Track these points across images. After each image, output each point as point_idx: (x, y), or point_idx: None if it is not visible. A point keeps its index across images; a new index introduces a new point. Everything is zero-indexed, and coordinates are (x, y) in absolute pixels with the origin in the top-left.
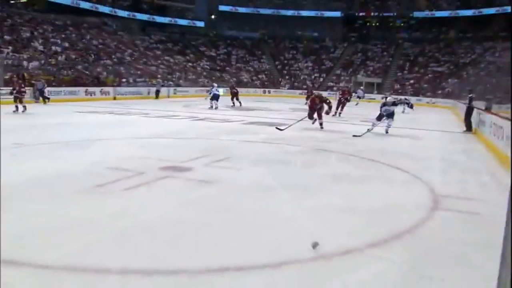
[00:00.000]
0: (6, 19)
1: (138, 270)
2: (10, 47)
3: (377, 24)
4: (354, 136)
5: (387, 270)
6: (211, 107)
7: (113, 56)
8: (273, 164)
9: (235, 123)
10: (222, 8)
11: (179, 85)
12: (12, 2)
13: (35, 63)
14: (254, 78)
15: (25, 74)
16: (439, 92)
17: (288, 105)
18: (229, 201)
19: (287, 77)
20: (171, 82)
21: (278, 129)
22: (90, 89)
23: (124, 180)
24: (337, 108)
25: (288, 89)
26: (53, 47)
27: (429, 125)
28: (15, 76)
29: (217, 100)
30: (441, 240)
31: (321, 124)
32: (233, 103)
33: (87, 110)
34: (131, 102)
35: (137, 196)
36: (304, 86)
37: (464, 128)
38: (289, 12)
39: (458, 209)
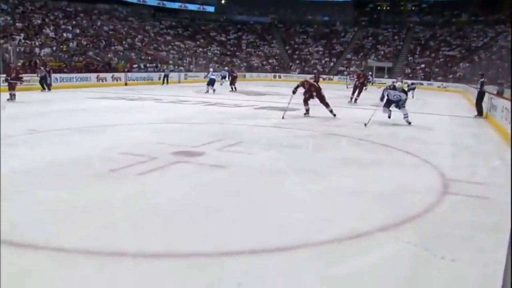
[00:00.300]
0: (18, 6)
1: (152, 253)
2: (22, 34)
3: (388, 8)
4: (365, 124)
5: (398, 253)
6: (207, 91)
7: (124, 42)
8: (284, 148)
9: (246, 108)
10: None
11: (189, 71)
12: None
13: (47, 50)
14: (265, 63)
15: (37, 61)
16: (450, 76)
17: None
18: (240, 185)
19: (297, 61)
20: (181, 68)
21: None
22: (102, 75)
23: (137, 165)
24: (352, 94)
25: (298, 73)
26: (65, 34)
27: (440, 110)
28: (12, 62)
29: (212, 85)
30: (451, 224)
31: (331, 111)
32: (232, 87)
33: (99, 96)
34: (143, 87)
35: (150, 181)
36: (315, 71)
37: (475, 113)
38: None
39: (468, 194)
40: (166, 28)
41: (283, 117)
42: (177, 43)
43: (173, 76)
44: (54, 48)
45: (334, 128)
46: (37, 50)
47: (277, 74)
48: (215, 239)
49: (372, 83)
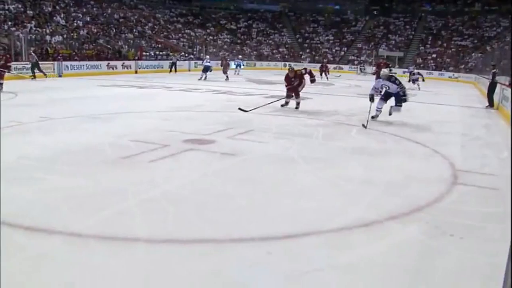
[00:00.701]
0: None
1: (164, 239)
2: (33, 22)
3: None
4: (363, 125)
5: (406, 242)
6: (201, 78)
7: (134, 30)
8: (295, 137)
9: (257, 97)
10: None
11: (200, 59)
12: None
13: (57, 38)
14: (275, 51)
15: (49, 49)
16: (462, 66)
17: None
18: (251, 173)
19: (307, 50)
20: (191, 56)
21: (242, 110)
22: (112, 63)
23: (149, 152)
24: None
25: (308, 62)
26: (75, 22)
27: (451, 100)
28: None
29: (207, 72)
30: (460, 214)
31: (297, 104)
32: (227, 76)
33: (110, 83)
34: (153, 75)
35: (162, 168)
36: (325, 60)
37: (487, 104)
38: None
39: (478, 184)
40: (176, 16)
41: (247, 111)
42: (187, 31)
43: (184, 64)
44: (65, 36)
45: (344, 118)
46: (48, 37)
47: (287, 63)
48: (225, 226)
49: None
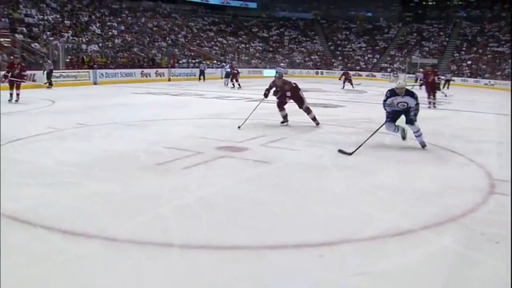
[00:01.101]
0: (66, 4)
1: (197, 245)
2: (70, 31)
3: (434, 2)
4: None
5: (441, 251)
6: (225, 84)
7: (167, 38)
8: (328, 144)
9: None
10: None
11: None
12: None
13: (93, 47)
14: (307, 59)
15: (84, 58)
16: (499, 73)
17: (341, 86)
18: (284, 180)
19: (340, 58)
20: (224, 64)
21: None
22: (146, 70)
23: (183, 159)
24: (428, 96)
25: (341, 70)
26: (110, 31)
27: (487, 108)
28: (15, 56)
29: (228, 77)
30: (496, 224)
31: (314, 119)
32: (233, 84)
33: (143, 91)
34: (186, 83)
35: (195, 174)
36: (357, 67)
37: None
38: None
39: None
40: (209, 24)
41: (239, 127)
42: (219, 39)
43: (216, 72)
44: (100, 45)
45: (377, 126)
46: (84, 46)
47: (319, 71)
48: (258, 233)
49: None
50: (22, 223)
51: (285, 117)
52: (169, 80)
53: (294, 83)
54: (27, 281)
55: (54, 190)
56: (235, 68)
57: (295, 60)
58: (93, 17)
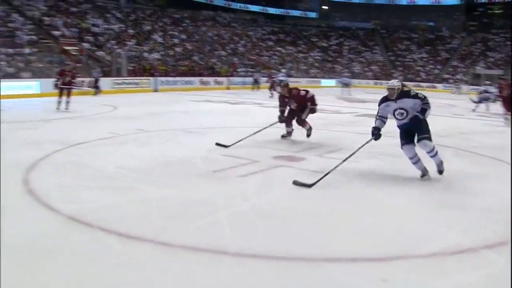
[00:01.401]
0: (130, 15)
1: (252, 254)
2: (133, 40)
3: (500, 11)
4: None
5: (502, 273)
6: (272, 95)
7: (227, 47)
8: (386, 156)
9: (347, 115)
10: None
11: (290, 76)
12: None
13: (155, 55)
14: (366, 69)
15: (145, 66)
16: None
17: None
18: (341, 192)
19: (400, 68)
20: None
21: (221, 145)
22: (205, 79)
23: (239, 167)
24: (506, 112)
25: (402, 81)
26: (171, 39)
27: None
28: (69, 63)
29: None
30: None
31: (308, 132)
32: (271, 93)
33: (202, 99)
34: (244, 91)
35: (252, 183)
36: (418, 78)
37: None
38: (404, 1)
39: None
40: (268, 34)
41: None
42: (278, 48)
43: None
44: (162, 53)
45: (438, 138)
46: (146, 54)
47: (379, 81)
48: (313, 244)
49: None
50: (81, 224)
51: (289, 133)
52: (228, 88)
53: (304, 94)
54: (81, 280)
55: (113, 193)
56: (272, 77)
57: (354, 70)
58: (155, 26)
